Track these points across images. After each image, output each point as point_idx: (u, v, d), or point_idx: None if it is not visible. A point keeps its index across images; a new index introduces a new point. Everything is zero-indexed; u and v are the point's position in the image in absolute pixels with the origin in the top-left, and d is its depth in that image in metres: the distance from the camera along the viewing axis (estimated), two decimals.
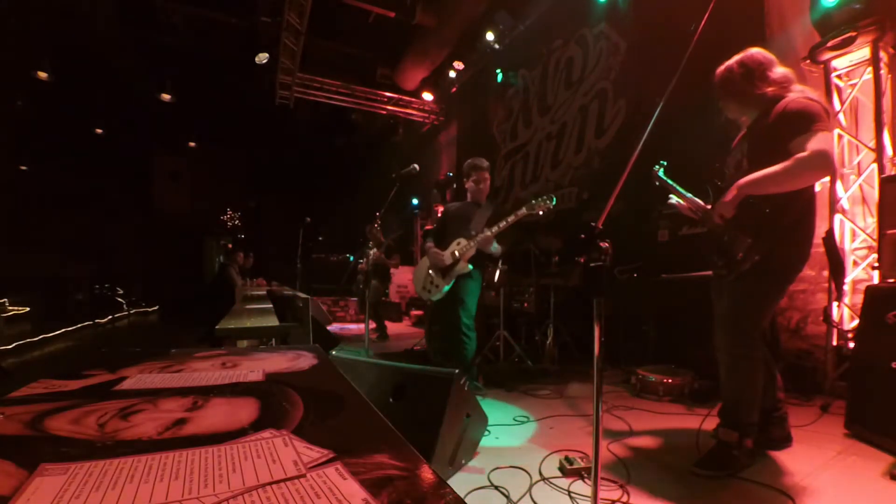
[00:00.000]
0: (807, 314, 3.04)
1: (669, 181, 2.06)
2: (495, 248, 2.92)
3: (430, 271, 3.03)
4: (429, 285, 3.03)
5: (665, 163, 2.13)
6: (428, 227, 8.59)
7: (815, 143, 1.61)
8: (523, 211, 2.80)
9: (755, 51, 1.87)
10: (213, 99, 10.07)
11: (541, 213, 2.77)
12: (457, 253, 2.94)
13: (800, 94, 1.76)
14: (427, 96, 8.70)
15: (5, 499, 0.42)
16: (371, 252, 4.64)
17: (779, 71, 1.83)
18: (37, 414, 0.66)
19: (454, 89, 8.34)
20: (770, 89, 1.79)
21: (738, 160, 1.91)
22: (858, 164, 2.89)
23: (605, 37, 5.07)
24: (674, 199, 2.07)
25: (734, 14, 3.12)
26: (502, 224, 2.85)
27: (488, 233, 2.84)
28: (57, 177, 10.86)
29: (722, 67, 1.91)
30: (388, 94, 8.79)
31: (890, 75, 2.69)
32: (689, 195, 2.00)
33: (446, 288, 2.93)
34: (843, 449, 2.02)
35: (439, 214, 3.33)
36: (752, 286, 1.78)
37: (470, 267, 2.94)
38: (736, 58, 1.88)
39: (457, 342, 2.91)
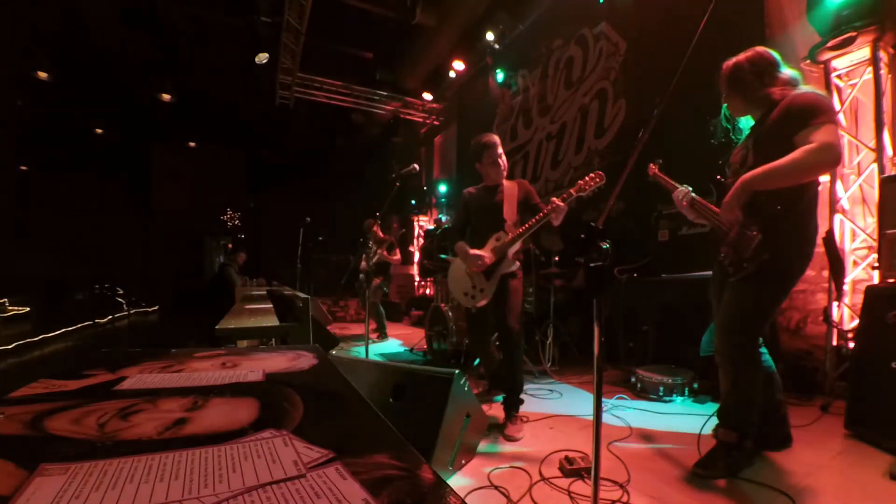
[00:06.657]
0: (807, 314, 3.04)
1: (668, 178, 2.06)
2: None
3: (470, 274, 2.63)
4: (471, 290, 2.61)
5: (661, 161, 2.12)
6: (432, 226, 8.61)
7: (821, 135, 1.60)
8: (573, 192, 2.32)
9: (764, 49, 1.85)
10: (213, 99, 10.07)
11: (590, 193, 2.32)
12: (499, 249, 2.53)
13: (805, 90, 1.76)
14: (427, 96, 8.69)
15: (5, 499, 0.42)
16: (372, 250, 4.62)
17: (786, 72, 1.82)
18: (37, 414, 0.66)
19: (454, 89, 8.34)
20: (777, 89, 1.78)
21: (743, 156, 1.89)
22: (858, 164, 2.89)
23: (605, 37, 5.07)
24: (683, 189, 1.99)
25: (734, 14, 3.12)
26: (573, 192, 2.32)
27: (561, 203, 2.28)
28: (57, 177, 10.86)
29: (730, 62, 1.89)
30: (387, 93, 8.79)
31: (890, 75, 2.69)
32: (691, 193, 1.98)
33: (493, 291, 2.53)
34: (843, 449, 2.02)
35: (461, 205, 2.81)
36: (757, 287, 1.74)
37: (516, 264, 2.55)
38: (745, 54, 1.86)
39: (510, 347, 2.50)
